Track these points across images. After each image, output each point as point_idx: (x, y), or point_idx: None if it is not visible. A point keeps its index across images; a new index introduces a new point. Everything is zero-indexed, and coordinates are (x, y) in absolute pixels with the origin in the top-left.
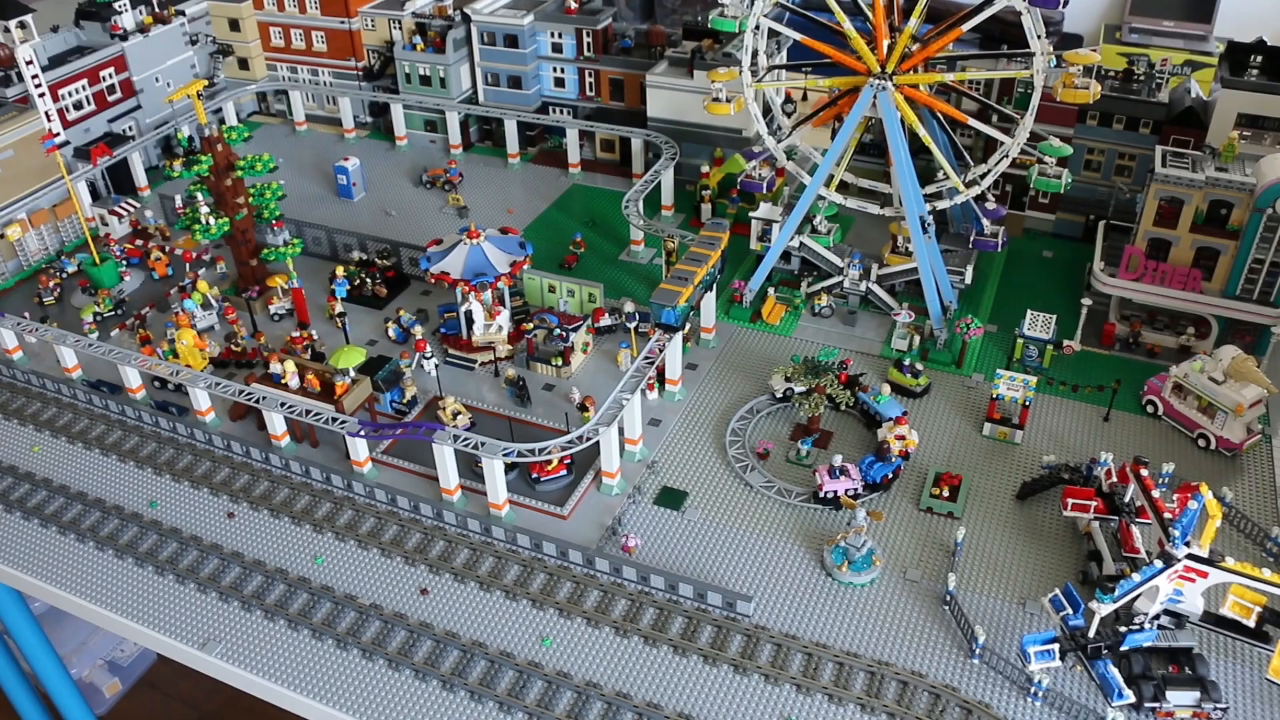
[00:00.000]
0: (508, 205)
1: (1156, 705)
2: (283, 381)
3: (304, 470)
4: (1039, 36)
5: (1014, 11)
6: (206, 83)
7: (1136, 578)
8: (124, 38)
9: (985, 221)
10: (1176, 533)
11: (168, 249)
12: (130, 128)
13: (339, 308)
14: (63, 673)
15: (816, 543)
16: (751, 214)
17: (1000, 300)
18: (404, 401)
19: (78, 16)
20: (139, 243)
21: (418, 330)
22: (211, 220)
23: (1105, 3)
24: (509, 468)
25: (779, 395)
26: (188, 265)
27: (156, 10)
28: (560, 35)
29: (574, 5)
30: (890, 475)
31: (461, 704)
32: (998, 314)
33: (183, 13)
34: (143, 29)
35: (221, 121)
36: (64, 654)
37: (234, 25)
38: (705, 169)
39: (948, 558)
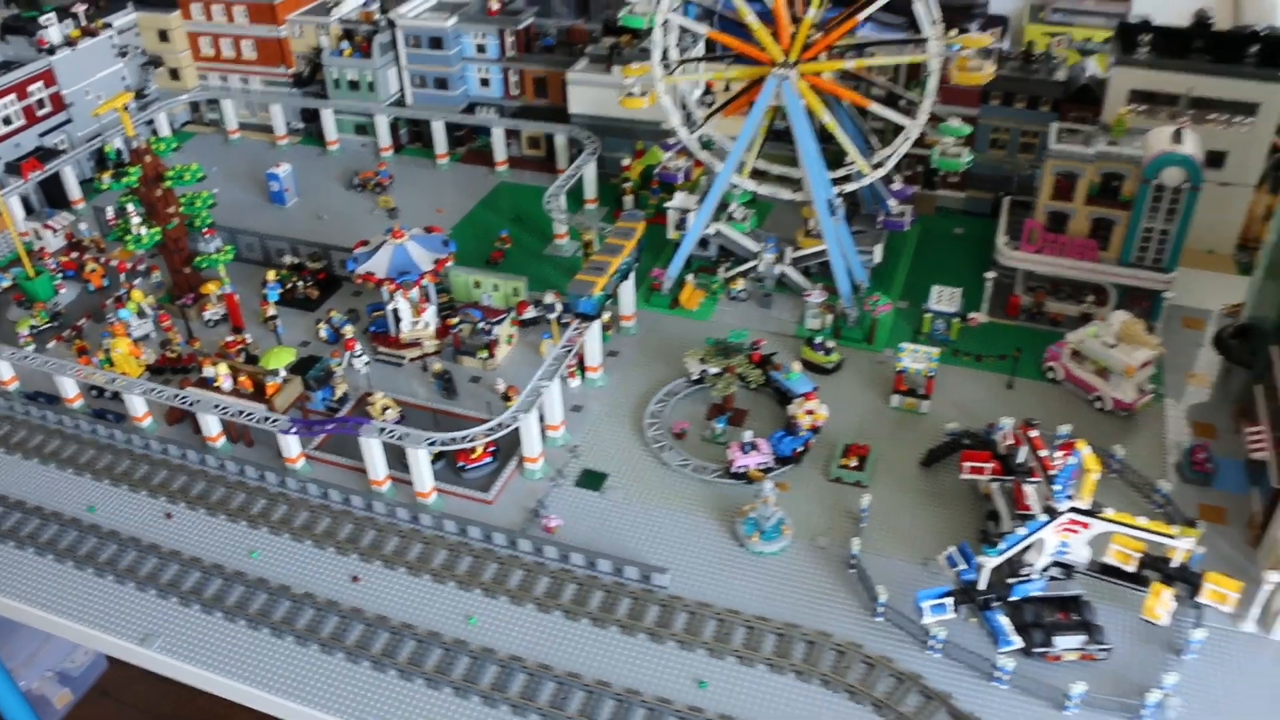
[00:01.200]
0: (437, 205)
1: (1046, 650)
2: (216, 384)
3: (239, 469)
4: (933, 22)
5: None
6: (135, 94)
7: (1022, 531)
8: (51, 51)
9: (892, 202)
10: (1058, 487)
11: (103, 260)
12: (62, 141)
13: (272, 311)
14: (9, 685)
15: (730, 516)
16: (666, 203)
17: (914, 277)
18: (336, 399)
19: (2, 31)
20: (74, 255)
21: (348, 330)
22: (143, 230)
23: None
24: (436, 457)
25: (695, 377)
26: (122, 276)
27: (84, 23)
28: (484, 36)
29: (496, 6)
30: (801, 449)
31: (391, 682)
32: (911, 291)
33: (110, 25)
34: (70, 42)
35: (153, 133)
36: (12, 667)
37: (163, 36)
38: (626, 162)
39: (855, 524)
